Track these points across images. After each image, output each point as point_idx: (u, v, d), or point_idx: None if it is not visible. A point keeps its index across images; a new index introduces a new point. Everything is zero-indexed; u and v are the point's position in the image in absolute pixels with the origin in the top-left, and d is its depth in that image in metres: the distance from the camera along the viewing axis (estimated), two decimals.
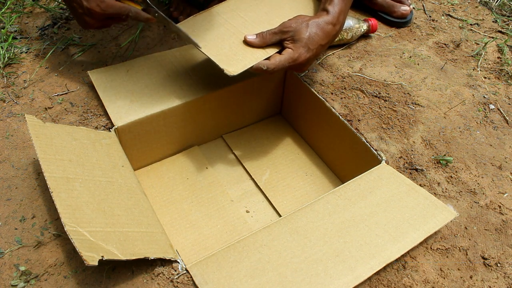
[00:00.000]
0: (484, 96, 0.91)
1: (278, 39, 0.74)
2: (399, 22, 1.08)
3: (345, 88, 0.90)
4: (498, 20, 1.14)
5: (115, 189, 0.64)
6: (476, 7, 1.20)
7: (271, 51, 0.75)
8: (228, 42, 0.75)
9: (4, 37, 0.95)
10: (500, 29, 1.11)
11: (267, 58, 0.73)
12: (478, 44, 1.05)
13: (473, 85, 0.93)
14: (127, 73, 0.86)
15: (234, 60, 0.72)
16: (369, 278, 0.60)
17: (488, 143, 0.81)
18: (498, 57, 1.02)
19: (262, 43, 0.74)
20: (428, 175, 0.75)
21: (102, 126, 0.78)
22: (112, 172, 0.67)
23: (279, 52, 0.74)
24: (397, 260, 0.62)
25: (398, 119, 0.84)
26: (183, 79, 0.86)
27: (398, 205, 0.66)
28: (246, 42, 0.74)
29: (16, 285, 0.57)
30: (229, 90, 0.87)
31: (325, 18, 0.75)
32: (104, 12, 0.74)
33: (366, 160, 0.79)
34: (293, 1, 0.85)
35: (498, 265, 0.64)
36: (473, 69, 0.98)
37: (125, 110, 0.79)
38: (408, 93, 0.89)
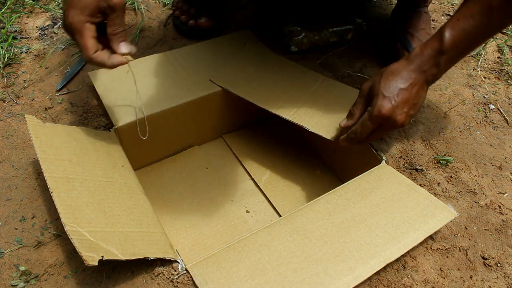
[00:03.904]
0: (484, 96, 0.91)
1: (366, 105, 0.67)
2: None
3: None
4: None
5: (115, 189, 0.64)
6: None
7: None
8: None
9: (4, 37, 0.95)
10: None
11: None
12: None
13: (473, 85, 0.93)
14: (127, 74, 0.86)
15: (325, 124, 0.75)
16: (369, 278, 0.60)
17: (488, 143, 0.81)
18: (498, 57, 1.02)
19: (352, 122, 0.68)
20: (428, 175, 0.75)
21: (102, 126, 0.78)
22: (112, 172, 0.67)
23: None
24: (397, 260, 0.61)
25: None
26: (183, 79, 0.86)
27: (398, 205, 0.66)
28: (343, 128, 0.70)
29: (16, 285, 0.57)
30: (229, 90, 0.87)
31: (401, 61, 0.64)
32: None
33: (366, 160, 0.79)
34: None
35: (498, 265, 0.64)
36: (473, 69, 0.98)
37: (125, 110, 0.79)
38: None
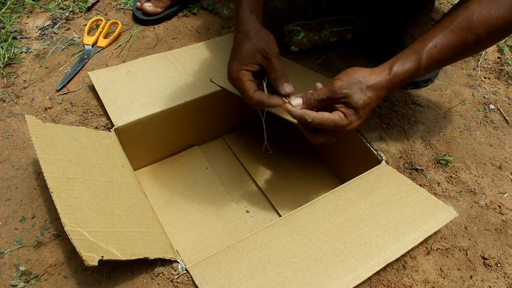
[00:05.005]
0: (484, 96, 0.91)
1: (327, 104, 0.65)
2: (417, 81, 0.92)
3: None
4: None
5: (115, 189, 0.64)
6: None
7: None
8: None
9: (4, 37, 0.95)
10: None
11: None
12: None
13: (473, 85, 0.93)
14: (127, 73, 0.86)
15: None
16: (369, 278, 0.60)
17: (488, 143, 0.81)
18: (498, 57, 1.02)
19: (307, 108, 0.65)
20: (428, 175, 0.75)
21: (102, 126, 0.78)
22: (112, 172, 0.67)
23: (328, 109, 0.64)
24: (397, 260, 0.61)
25: (398, 119, 0.84)
26: (183, 79, 0.86)
27: (398, 205, 0.66)
28: (290, 105, 0.66)
29: (16, 285, 0.57)
30: (229, 90, 0.87)
31: (383, 79, 0.63)
32: (231, 79, 0.69)
33: (366, 160, 0.79)
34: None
35: (498, 265, 0.64)
36: (473, 69, 0.98)
37: (125, 110, 0.79)
38: (408, 93, 0.89)
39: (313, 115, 0.63)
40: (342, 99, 0.63)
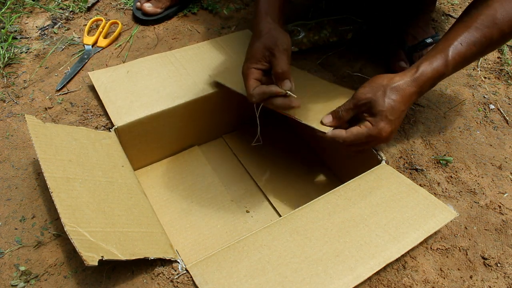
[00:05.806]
0: (484, 96, 0.91)
1: (355, 114, 0.65)
2: None
3: None
4: None
5: (115, 189, 0.64)
6: None
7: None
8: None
9: (4, 37, 0.95)
10: None
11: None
12: None
13: (473, 85, 0.93)
14: (127, 74, 0.86)
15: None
16: (369, 278, 0.60)
17: (488, 143, 0.81)
18: (498, 57, 1.02)
19: (338, 123, 0.67)
20: (428, 175, 0.75)
21: (102, 126, 0.78)
22: (112, 172, 0.67)
23: (357, 123, 0.65)
24: (397, 260, 0.61)
25: None
26: (183, 79, 0.86)
27: (398, 205, 0.66)
28: (323, 124, 0.68)
29: (16, 285, 0.57)
30: (229, 90, 0.88)
31: (408, 79, 0.63)
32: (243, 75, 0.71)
33: (366, 160, 0.79)
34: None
35: (498, 265, 0.64)
36: (473, 69, 0.98)
37: (125, 110, 0.79)
38: None
39: (343, 137, 0.64)
40: (367, 105, 0.63)
